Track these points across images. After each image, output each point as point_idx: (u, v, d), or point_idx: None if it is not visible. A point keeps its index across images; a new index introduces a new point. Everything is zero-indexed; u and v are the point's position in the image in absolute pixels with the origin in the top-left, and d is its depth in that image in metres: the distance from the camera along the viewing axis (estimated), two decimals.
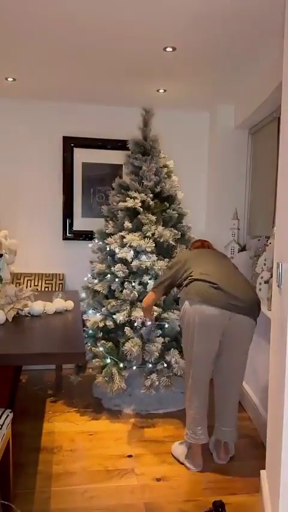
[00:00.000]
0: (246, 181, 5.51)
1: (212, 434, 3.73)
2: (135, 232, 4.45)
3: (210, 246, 4.13)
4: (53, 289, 5.56)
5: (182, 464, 3.61)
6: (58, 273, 5.69)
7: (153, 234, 4.42)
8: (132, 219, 4.51)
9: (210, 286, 3.39)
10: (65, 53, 4.12)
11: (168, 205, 4.68)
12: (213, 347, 3.47)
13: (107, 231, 4.70)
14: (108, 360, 4.34)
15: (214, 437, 3.74)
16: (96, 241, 4.81)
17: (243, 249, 5.21)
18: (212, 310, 3.35)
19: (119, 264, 4.38)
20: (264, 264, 4.02)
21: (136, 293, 4.35)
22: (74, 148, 5.75)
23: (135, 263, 4.33)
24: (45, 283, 5.60)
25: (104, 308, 4.47)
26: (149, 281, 4.38)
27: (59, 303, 3.92)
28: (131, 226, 4.48)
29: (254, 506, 3.10)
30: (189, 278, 3.52)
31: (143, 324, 4.27)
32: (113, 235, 4.60)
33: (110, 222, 4.72)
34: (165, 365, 4.27)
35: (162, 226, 4.52)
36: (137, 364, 4.36)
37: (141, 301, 4.35)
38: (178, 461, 3.65)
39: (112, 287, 4.48)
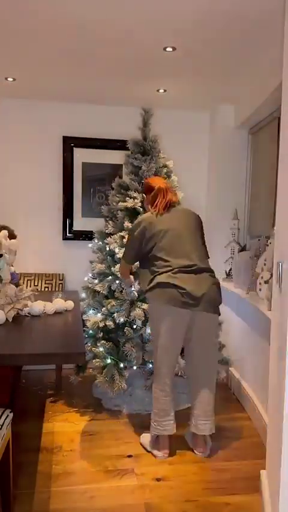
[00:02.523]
0: (246, 181, 5.51)
1: (186, 429, 3.92)
2: None
3: (172, 199, 3.91)
4: (53, 289, 5.56)
5: (150, 452, 3.76)
6: (58, 273, 5.69)
7: None
8: (132, 219, 4.50)
9: (177, 292, 3.48)
10: (65, 53, 4.12)
11: None
12: (177, 342, 3.64)
13: (106, 231, 4.70)
14: (109, 361, 4.34)
15: (190, 431, 3.83)
16: (96, 241, 4.80)
17: (243, 249, 5.20)
18: (176, 311, 3.51)
19: (119, 264, 4.38)
20: (264, 264, 4.02)
21: (136, 293, 4.35)
22: (74, 148, 5.75)
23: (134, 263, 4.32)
24: (45, 284, 5.60)
25: (104, 308, 4.46)
26: None
27: (59, 303, 3.92)
28: (130, 226, 4.47)
29: (254, 506, 3.10)
30: (155, 272, 3.62)
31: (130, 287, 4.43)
32: (112, 235, 4.60)
33: (110, 222, 4.72)
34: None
35: None
36: (137, 364, 4.36)
37: (141, 301, 4.36)
38: (145, 449, 3.81)
39: (112, 287, 4.48)
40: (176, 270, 3.53)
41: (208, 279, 3.64)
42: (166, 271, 3.54)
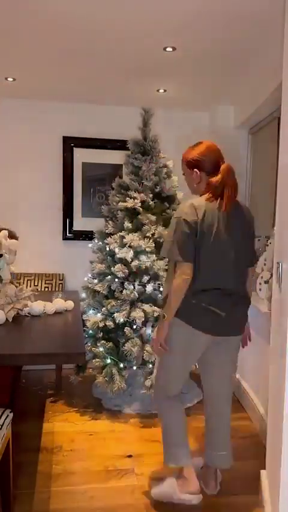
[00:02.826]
0: (246, 181, 5.50)
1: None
2: (135, 232, 4.45)
3: (233, 194, 2.97)
4: (53, 289, 5.56)
5: (181, 502, 3.09)
6: (58, 273, 5.69)
7: (153, 234, 4.42)
8: (132, 219, 4.51)
9: (214, 318, 2.88)
10: (65, 53, 4.12)
11: (168, 205, 4.68)
12: (188, 364, 3.07)
13: (107, 231, 4.69)
14: (109, 360, 4.34)
15: (203, 464, 3.32)
16: (96, 241, 4.80)
17: None
18: (202, 336, 2.92)
19: (119, 264, 4.38)
20: (264, 264, 4.02)
21: (136, 293, 4.35)
22: (74, 148, 5.76)
23: (134, 263, 4.33)
24: (45, 283, 5.60)
25: (104, 308, 4.46)
26: (148, 281, 4.38)
27: (59, 303, 3.92)
28: (131, 226, 4.48)
29: (254, 506, 3.09)
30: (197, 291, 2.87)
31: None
32: (112, 235, 4.59)
33: (110, 222, 4.71)
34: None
35: (162, 226, 4.51)
36: (137, 364, 4.36)
37: (141, 301, 4.34)
38: (172, 503, 3.12)
39: (112, 287, 4.47)
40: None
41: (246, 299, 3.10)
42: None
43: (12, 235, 3.99)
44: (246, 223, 3.02)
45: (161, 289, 4.40)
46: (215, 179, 2.93)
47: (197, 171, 3.03)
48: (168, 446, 3.16)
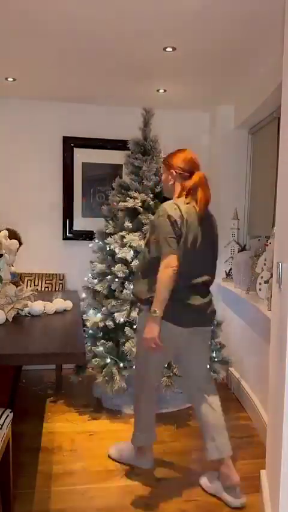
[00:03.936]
0: (246, 181, 5.51)
1: (211, 480, 3.34)
2: (135, 232, 4.45)
3: (204, 201, 3.25)
4: (53, 289, 5.56)
5: (135, 466, 3.55)
6: (58, 273, 5.69)
7: None
8: (133, 219, 4.51)
9: (192, 310, 3.15)
10: (65, 53, 4.12)
11: None
12: (168, 357, 3.50)
13: (107, 231, 4.69)
14: (108, 360, 4.33)
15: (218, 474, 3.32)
16: (96, 241, 4.79)
17: (243, 249, 5.20)
18: (177, 330, 3.12)
19: (119, 264, 4.38)
20: (264, 264, 4.02)
21: None
22: (74, 148, 5.75)
23: (135, 263, 4.32)
24: (45, 283, 5.60)
25: (104, 308, 4.46)
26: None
27: (59, 303, 3.91)
28: (131, 226, 4.47)
29: (254, 506, 3.10)
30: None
31: None
32: (113, 235, 4.59)
33: (110, 222, 4.71)
34: (166, 365, 4.27)
35: None
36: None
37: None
38: (129, 464, 3.59)
39: (112, 287, 4.47)
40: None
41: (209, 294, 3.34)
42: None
43: (17, 238, 3.99)
44: (215, 227, 3.40)
45: None
46: (189, 182, 3.26)
47: (173, 172, 3.35)
48: (139, 429, 3.49)
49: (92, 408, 4.56)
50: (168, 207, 3.17)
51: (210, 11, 3.31)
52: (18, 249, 4.01)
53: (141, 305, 3.32)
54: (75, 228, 5.82)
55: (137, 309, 4.25)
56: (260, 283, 4.04)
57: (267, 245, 4.03)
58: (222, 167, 5.52)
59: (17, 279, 4.08)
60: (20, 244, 4.26)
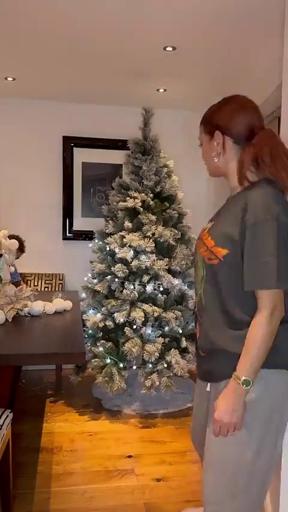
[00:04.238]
0: None
1: None
2: (135, 232, 4.45)
3: None
4: (53, 289, 5.55)
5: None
6: (58, 273, 5.69)
7: (153, 234, 4.42)
8: (133, 219, 4.51)
9: None
10: (65, 52, 4.12)
11: (168, 205, 4.68)
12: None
13: (107, 231, 4.69)
14: (108, 360, 4.33)
15: None
16: (96, 241, 4.80)
17: None
18: None
19: (119, 264, 4.38)
20: None
21: (136, 293, 4.34)
22: (74, 148, 5.76)
23: (135, 263, 4.32)
24: (45, 283, 5.59)
25: (104, 308, 4.46)
26: (148, 281, 4.38)
27: (59, 303, 3.90)
28: (131, 226, 4.48)
29: None
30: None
31: None
32: (113, 235, 4.59)
33: (110, 221, 4.72)
34: (166, 365, 4.27)
35: (162, 226, 4.51)
36: (137, 364, 4.35)
37: (142, 301, 4.34)
38: (175, 506, 3.08)
39: (112, 287, 4.47)
40: None
41: None
42: None
43: (20, 243, 4.00)
44: None
45: (161, 289, 4.39)
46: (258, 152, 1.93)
47: (220, 134, 2.10)
48: None
49: (92, 409, 4.55)
50: (275, 199, 1.84)
51: (211, 11, 3.31)
52: (19, 256, 4.01)
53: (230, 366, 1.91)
54: (75, 227, 5.81)
55: (137, 309, 4.25)
56: None
57: None
58: None
59: (19, 279, 4.08)
60: (22, 252, 4.28)
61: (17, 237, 4.06)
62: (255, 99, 1.82)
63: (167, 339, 4.34)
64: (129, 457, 3.72)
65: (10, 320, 3.42)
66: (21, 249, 4.38)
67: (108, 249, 4.58)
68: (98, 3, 3.24)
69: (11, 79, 4.83)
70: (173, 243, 4.54)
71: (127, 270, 4.38)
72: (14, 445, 3.00)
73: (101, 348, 4.38)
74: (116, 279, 4.43)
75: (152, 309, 4.26)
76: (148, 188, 4.59)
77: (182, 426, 4.22)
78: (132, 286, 4.36)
